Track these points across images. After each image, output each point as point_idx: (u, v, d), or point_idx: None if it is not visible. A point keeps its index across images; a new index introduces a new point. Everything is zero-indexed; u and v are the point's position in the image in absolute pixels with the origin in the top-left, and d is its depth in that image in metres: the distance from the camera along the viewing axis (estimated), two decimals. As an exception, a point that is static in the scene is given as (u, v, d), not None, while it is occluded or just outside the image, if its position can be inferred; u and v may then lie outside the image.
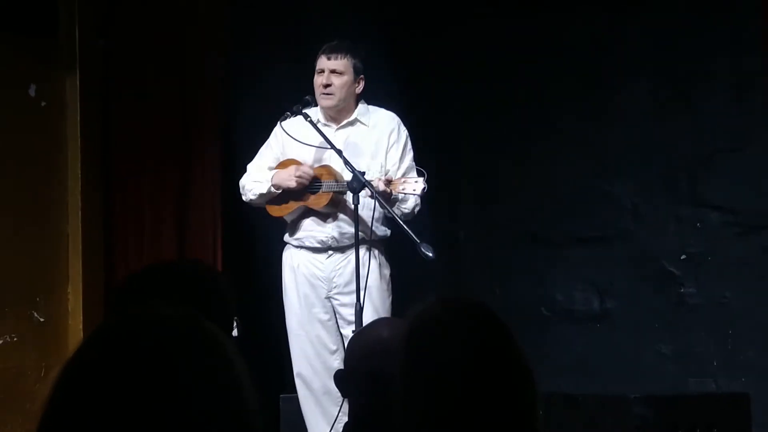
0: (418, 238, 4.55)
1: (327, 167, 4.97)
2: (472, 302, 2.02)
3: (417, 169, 5.01)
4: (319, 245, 5.03)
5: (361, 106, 5.14)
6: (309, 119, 4.92)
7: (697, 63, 6.09)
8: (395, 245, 5.09)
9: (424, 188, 4.74)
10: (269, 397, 5.38)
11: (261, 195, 5.06)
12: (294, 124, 4.99)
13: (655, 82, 6.24)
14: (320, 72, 5.05)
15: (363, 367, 2.59)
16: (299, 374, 5.08)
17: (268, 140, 5.17)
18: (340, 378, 2.71)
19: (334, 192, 4.93)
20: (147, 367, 1.31)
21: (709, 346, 6.01)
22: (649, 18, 6.21)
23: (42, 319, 5.27)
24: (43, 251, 5.32)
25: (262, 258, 5.60)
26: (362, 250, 4.81)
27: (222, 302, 2.39)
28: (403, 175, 4.95)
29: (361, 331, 3.00)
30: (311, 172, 4.95)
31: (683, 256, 6.15)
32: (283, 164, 5.08)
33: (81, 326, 5.31)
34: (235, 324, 2.39)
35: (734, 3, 5.89)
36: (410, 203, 4.92)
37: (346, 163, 4.73)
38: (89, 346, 1.36)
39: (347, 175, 4.80)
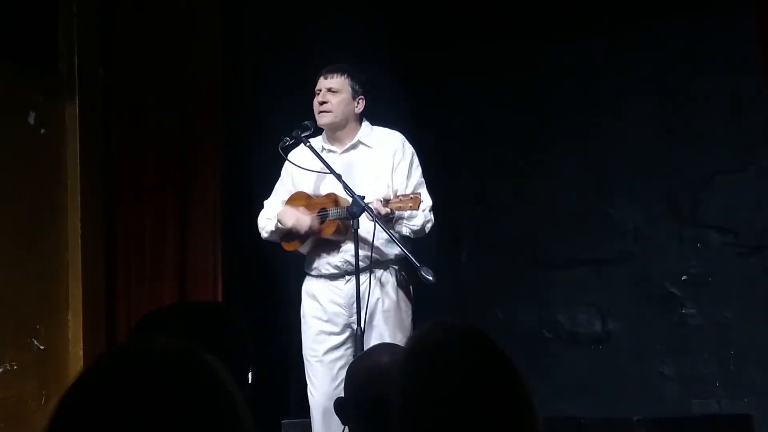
0: (419, 262, 4.54)
1: (332, 195, 4.97)
2: (470, 327, 2.01)
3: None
4: (336, 271, 5.02)
5: (365, 127, 5.14)
6: (308, 144, 4.92)
7: (696, 84, 6.11)
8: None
9: (421, 202, 4.72)
10: (271, 423, 5.37)
11: (272, 232, 5.08)
12: (298, 150, 5.01)
13: (655, 103, 6.26)
14: (318, 92, 5.08)
15: (362, 394, 2.58)
16: (313, 401, 5.04)
17: (281, 175, 5.20)
18: (339, 405, 2.69)
19: (340, 219, 4.93)
20: (146, 397, 1.31)
21: (712, 367, 6.00)
22: (648, 40, 6.23)
23: (42, 347, 5.26)
24: (43, 279, 5.31)
25: (262, 286, 5.60)
26: (369, 274, 4.81)
27: (240, 347, 2.36)
28: (413, 192, 4.93)
29: (360, 357, 2.99)
30: (309, 229, 4.94)
31: (684, 277, 6.14)
32: (292, 198, 5.09)
33: (81, 354, 5.29)
34: (249, 370, 2.36)
35: (731, 24, 5.91)
36: (419, 219, 4.90)
37: (346, 187, 4.73)
38: (88, 375, 1.37)
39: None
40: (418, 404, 1.91)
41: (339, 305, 5.00)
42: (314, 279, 5.08)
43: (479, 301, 6.70)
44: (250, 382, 2.35)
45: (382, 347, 2.92)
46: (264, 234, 5.12)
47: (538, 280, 6.57)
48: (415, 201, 4.69)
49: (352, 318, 4.95)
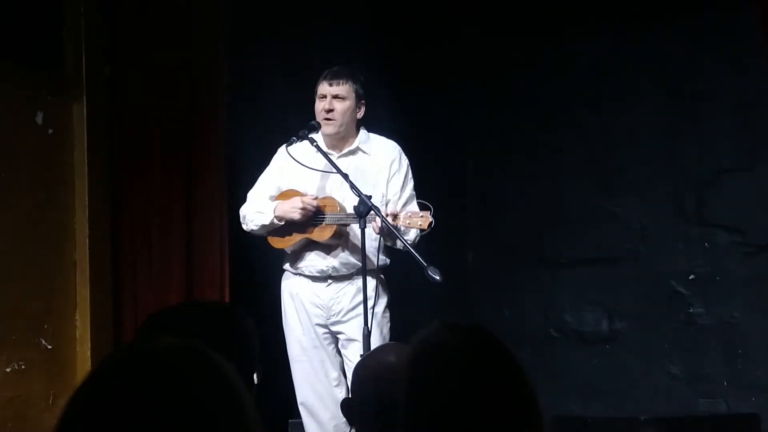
0: (425, 262, 4.54)
1: (330, 199, 4.96)
2: (475, 327, 2.02)
3: (422, 202, 4.98)
4: (318, 274, 5.03)
5: (362, 134, 5.12)
6: (315, 144, 4.91)
7: (702, 83, 6.11)
8: (402, 268, 5.09)
9: (431, 222, 4.71)
10: (277, 423, 5.38)
11: (263, 226, 5.04)
12: (297, 149, 4.98)
13: (662, 102, 6.26)
14: (322, 97, 5.04)
15: (369, 394, 2.58)
16: (303, 402, 5.07)
17: (269, 167, 5.16)
18: (346, 405, 2.70)
19: (338, 224, 4.93)
20: (154, 397, 1.31)
21: (719, 367, 6.00)
22: (655, 39, 6.23)
23: (50, 347, 5.27)
24: (50, 278, 5.32)
25: (268, 285, 5.60)
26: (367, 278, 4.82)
27: (247, 346, 2.36)
28: (404, 204, 4.95)
29: (366, 356, 2.99)
30: (315, 202, 4.93)
31: (692, 277, 6.14)
32: (284, 194, 5.06)
33: (89, 353, 5.30)
34: (256, 370, 2.36)
35: (738, 23, 5.91)
36: (411, 235, 4.89)
37: (352, 186, 4.72)
38: (97, 375, 1.37)
39: (350, 207, 4.79)
40: (423, 404, 1.91)
41: (317, 306, 5.03)
42: (294, 276, 5.09)
43: (486, 301, 6.70)
44: (256, 382, 2.35)
45: (388, 347, 2.92)
46: (251, 226, 5.07)
47: (544, 280, 6.57)
48: (425, 221, 4.68)
49: (330, 320, 5.00)
